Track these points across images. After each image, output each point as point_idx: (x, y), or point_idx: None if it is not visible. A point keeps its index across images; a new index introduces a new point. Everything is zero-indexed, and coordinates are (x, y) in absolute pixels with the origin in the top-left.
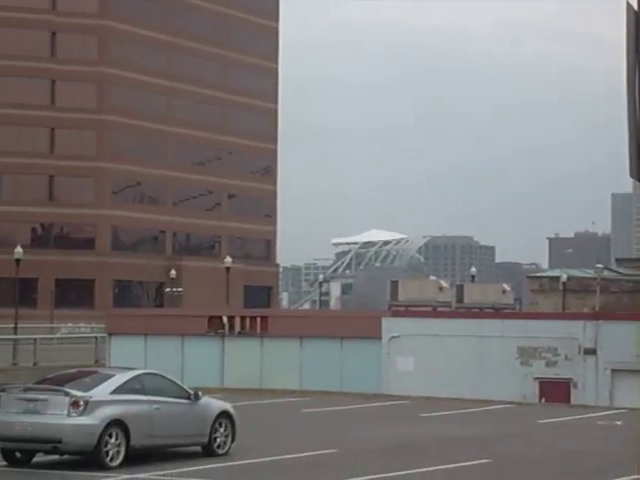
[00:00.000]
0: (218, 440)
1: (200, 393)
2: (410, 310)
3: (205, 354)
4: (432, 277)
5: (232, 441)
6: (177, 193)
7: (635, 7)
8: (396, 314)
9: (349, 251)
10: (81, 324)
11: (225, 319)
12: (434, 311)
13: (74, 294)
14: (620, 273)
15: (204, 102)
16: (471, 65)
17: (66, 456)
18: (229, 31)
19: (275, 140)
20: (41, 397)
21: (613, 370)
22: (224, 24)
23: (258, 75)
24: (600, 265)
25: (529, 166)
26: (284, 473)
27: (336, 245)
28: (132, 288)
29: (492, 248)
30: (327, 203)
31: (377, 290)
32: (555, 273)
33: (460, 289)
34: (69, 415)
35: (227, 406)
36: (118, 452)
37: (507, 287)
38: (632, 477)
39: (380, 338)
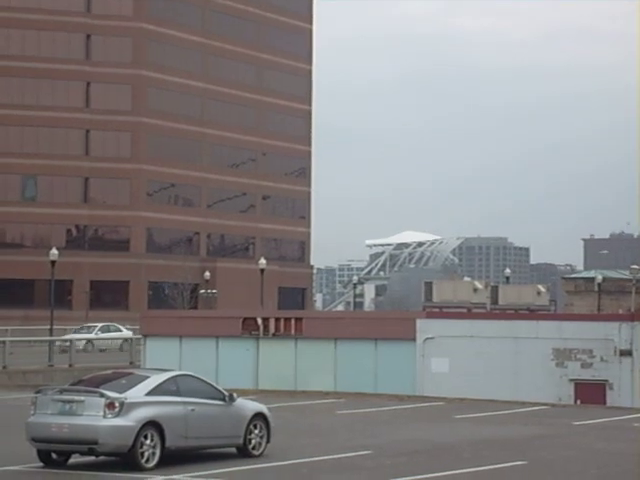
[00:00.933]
0: (253, 442)
1: (235, 394)
2: (444, 311)
3: (239, 355)
4: (466, 278)
5: (267, 442)
6: (211, 195)
7: None
8: (430, 315)
9: (383, 252)
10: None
11: (259, 321)
12: (469, 312)
13: (109, 296)
14: None
15: (238, 104)
16: (503, 63)
17: (102, 457)
18: (263, 33)
19: (309, 142)
20: (77, 398)
21: None
22: (258, 26)
23: (292, 77)
24: (635, 266)
25: (558, 161)
26: (319, 475)
27: (370, 246)
28: (167, 290)
29: (527, 249)
30: (361, 204)
31: (411, 291)
32: (590, 274)
33: (495, 290)
34: (105, 416)
35: (262, 407)
36: (153, 453)
37: (542, 288)
38: None
39: (414, 339)
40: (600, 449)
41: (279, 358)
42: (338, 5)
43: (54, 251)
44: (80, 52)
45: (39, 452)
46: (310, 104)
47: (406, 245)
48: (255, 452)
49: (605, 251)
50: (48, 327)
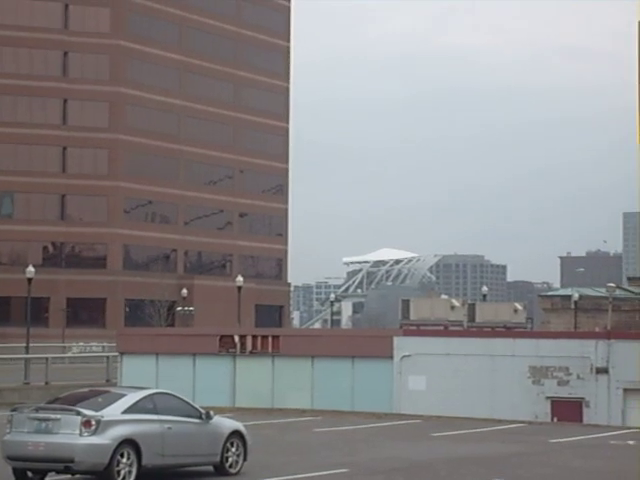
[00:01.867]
0: (230, 459)
1: (212, 412)
2: (422, 329)
3: (216, 373)
4: (444, 296)
5: (244, 460)
6: (189, 212)
7: None
8: (407, 333)
9: (360, 270)
10: (93, 343)
11: (237, 338)
12: (446, 330)
13: (86, 313)
14: (632, 292)
15: (216, 121)
16: (480, 85)
17: (78, 476)
18: (240, 50)
19: (286, 159)
20: (53, 417)
21: (625, 389)
22: (236, 43)
23: (270, 94)
24: (612, 284)
25: (540, 185)
26: None
27: (347, 264)
28: (143, 307)
29: (504, 267)
30: (338, 222)
31: (388, 309)
32: (567, 292)
33: (472, 308)
34: (81, 435)
35: (239, 425)
36: (130, 472)
37: (519, 306)
38: None
39: (392, 357)
40: (577, 467)
41: (256, 376)
42: (316, 22)
43: (30, 268)
44: (57, 69)
45: (15, 470)
46: (287, 121)
47: (383, 262)
48: (232, 470)
49: (582, 269)
50: (24, 345)
